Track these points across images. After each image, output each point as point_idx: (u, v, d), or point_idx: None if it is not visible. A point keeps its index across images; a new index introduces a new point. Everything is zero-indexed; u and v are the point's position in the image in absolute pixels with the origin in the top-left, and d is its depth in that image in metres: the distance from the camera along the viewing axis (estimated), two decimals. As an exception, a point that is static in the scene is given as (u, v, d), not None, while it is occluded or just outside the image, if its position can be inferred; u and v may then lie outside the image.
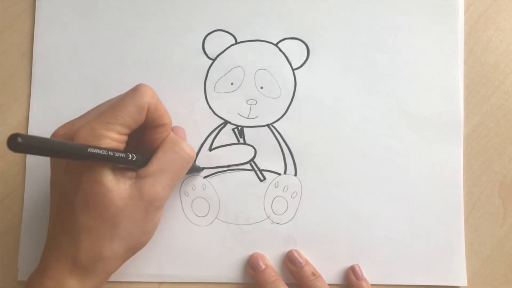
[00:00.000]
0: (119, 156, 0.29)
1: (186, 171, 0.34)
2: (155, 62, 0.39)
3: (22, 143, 0.21)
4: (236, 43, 0.40)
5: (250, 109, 0.39)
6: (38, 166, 0.38)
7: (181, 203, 0.38)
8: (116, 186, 0.29)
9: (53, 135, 0.31)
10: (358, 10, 0.40)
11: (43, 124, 0.39)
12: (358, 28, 0.40)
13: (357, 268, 0.37)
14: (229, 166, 0.39)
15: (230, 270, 0.38)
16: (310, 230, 0.38)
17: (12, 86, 0.39)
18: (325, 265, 0.38)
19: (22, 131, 0.39)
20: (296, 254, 0.37)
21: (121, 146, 0.30)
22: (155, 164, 0.31)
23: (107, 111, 0.30)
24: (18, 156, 0.39)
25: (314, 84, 0.39)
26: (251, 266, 0.37)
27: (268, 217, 0.38)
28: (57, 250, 0.30)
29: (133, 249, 0.32)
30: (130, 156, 0.30)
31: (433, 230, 0.38)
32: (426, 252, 0.38)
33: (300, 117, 0.39)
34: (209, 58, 0.39)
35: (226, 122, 0.39)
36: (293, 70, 0.39)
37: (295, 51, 0.39)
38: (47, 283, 0.29)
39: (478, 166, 0.39)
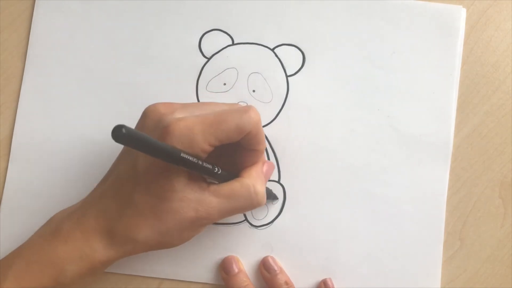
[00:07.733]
0: (206, 167, 0.29)
1: (247, 211, 0.34)
2: (150, 55, 0.39)
3: (125, 134, 0.22)
4: (233, 44, 0.40)
5: (240, 111, 0.39)
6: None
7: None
8: (182, 189, 0.30)
9: (154, 107, 0.31)
10: (359, 23, 0.39)
11: (33, 107, 0.39)
12: (356, 41, 0.39)
13: (329, 283, 0.37)
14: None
15: (204, 270, 0.38)
16: (288, 238, 0.38)
17: (12, 86, 0.39)
18: (299, 275, 0.38)
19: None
20: (271, 261, 0.37)
21: (205, 155, 0.30)
22: (227, 191, 0.31)
23: (210, 118, 0.29)
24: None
25: (307, 92, 0.39)
26: (224, 269, 0.37)
27: (247, 220, 0.38)
28: (100, 211, 0.31)
29: (161, 247, 0.32)
30: (216, 169, 0.30)
31: (411, 251, 0.38)
32: (401, 273, 0.38)
33: (289, 124, 0.39)
34: (204, 56, 0.39)
35: (215, 122, 0.39)
36: (287, 76, 0.39)
37: (291, 58, 0.39)
38: (76, 234, 0.30)
39: (478, 166, 0.39)
